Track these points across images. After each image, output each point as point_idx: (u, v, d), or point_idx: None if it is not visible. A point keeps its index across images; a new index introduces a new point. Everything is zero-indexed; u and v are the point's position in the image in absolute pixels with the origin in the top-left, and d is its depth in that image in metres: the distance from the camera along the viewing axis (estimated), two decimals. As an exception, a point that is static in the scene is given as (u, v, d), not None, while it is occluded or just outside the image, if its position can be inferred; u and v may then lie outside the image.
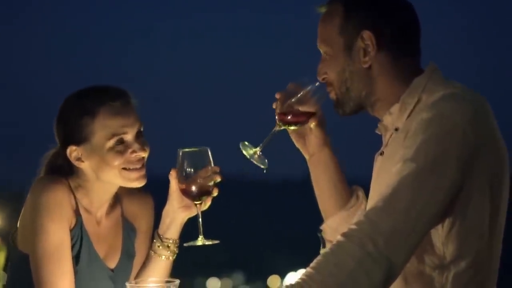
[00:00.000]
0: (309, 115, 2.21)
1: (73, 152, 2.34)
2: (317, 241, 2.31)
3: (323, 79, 2.12)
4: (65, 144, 2.35)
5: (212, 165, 2.25)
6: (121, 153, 2.31)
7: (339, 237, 1.86)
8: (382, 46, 2.02)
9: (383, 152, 2.08)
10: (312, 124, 2.24)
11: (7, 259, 2.43)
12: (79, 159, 2.34)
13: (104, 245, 2.40)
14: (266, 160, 2.22)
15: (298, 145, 2.31)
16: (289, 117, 2.20)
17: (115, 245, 2.43)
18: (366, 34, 2.02)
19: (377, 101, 2.06)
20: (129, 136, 2.33)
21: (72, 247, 2.31)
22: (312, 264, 1.86)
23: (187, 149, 2.24)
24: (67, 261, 2.27)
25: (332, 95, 2.11)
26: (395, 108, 2.03)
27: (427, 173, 1.85)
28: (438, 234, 1.91)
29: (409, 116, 1.99)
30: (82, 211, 2.36)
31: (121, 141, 2.32)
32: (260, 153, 2.22)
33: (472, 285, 1.92)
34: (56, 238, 2.26)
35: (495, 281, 1.98)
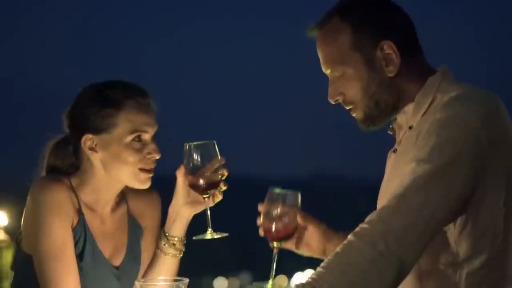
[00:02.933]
0: (294, 224, 2.16)
1: (88, 140, 2.33)
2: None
3: (336, 100, 2.09)
4: (80, 132, 2.34)
5: (219, 155, 2.25)
6: (138, 151, 2.31)
7: (350, 237, 1.86)
8: (401, 51, 2.02)
9: (396, 149, 2.09)
10: (303, 224, 2.22)
11: (15, 257, 2.42)
12: (92, 148, 2.33)
13: (109, 243, 2.40)
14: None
15: (304, 251, 2.29)
16: (277, 234, 2.14)
17: (120, 243, 2.43)
18: (386, 44, 2.02)
19: (398, 102, 2.05)
20: (147, 136, 2.33)
21: (75, 245, 2.30)
22: (322, 264, 1.86)
23: (193, 143, 2.24)
24: (70, 259, 2.27)
25: (358, 114, 2.08)
26: (409, 107, 2.04)
27: (440, 174, 1.86)
28: (451, 232, 1.91)
29: (423, 114, 2.00)
30: (84, 210, 2.35)
31: (139, 139, 2.32)
32: (274, 284, 2.18)
33: (486, 284, 1.92)
34: (58, 237, 2.26)
35: (511, 280, 1.96)
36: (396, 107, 2.06)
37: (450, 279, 1.92)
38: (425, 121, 1.96)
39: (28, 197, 2.30)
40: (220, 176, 2.25)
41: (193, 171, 2.24)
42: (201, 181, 2.24)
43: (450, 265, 1.93)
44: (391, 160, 2.11)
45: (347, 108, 2.09)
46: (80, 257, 2.32)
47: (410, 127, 2.03)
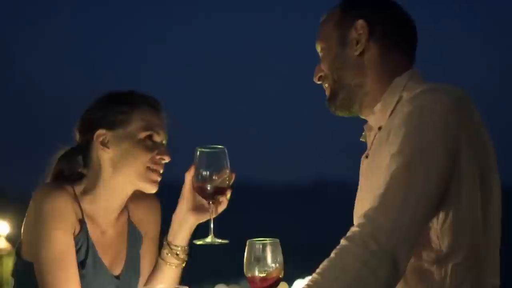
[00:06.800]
0: (277, 279, 2.09)
1: (101, 136, 2.35)
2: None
3: (319, 78, 2.18)
4: (93, 127, 2.36)
5: (229, 165, 2.23)
6: (149, 149, 2.33)
7: (342, 241, 1.89)
8: (374, 36, 2.10)
9: (368, 154, 2.12)
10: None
11: (16, 265, 2.42)
12: (105, 144, 2.34)
13: (109, 253, 2.40)
14: None
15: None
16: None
17: (120, 252, 2.42)
18: (360, 23, 2.10)
19: (365, 95, 2.11)
20: (158, 138, 2.36)
21: (77, 253, 2.30)
22: (317, 270, 1.88)
23: (204, 149, 2.23)
24: (72, 267, 2.27)
25: (327, 90, 2.17)
26: (377, 107, 2.08)
27: (415, 164, 1.89)
28: (434, 228, 1.93)
29: (391, 114, 2.04)
30: (86, 219, 2.35)
31: (151, 138, 2.34)
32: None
33: (471, 276, 1.94)
34: (61, 245, 2.26)
35: (497, 272, 2.00)
36: (358, 92, 2.11)
37: (435, 275, 1.94)
38: (393, 119, 2.00)
39: (31, 203, 2.31)
40: (227, 182, 2.25)
41: (201, 176, 2.23)
42: (208, 187, 2.23)
43: (434, 262, 1.95)
44: (364, 165, 2.14)
45: (324, 85, 2.18)
46: (81, 265, 2.32)
47: (379, 128, 2.07)
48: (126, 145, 2.33)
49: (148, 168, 2.33)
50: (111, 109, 2.36)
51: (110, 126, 2.34)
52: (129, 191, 2.38)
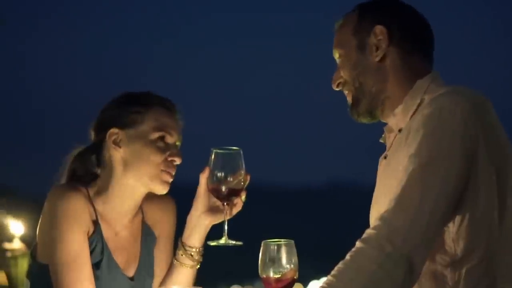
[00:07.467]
0: (291, 280, 2.09)
1: (113, 134, 2.35)
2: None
3: (338, 85, 2.17)
4: (107, 127, 2.36)
5: (244, 167, 2.23)
6: (161, 150, 2.32)
7: (357, 243, 1.88)
8: (393, 41, 2.09)
9: (387, 155, 2.11)
10: None
11: (30, 266, 2.42)
12: (117, 143, 2.34)
13: (123, 255, 2.39)
14: None
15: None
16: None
17: (134, 253, 2.42)
18: (379, 28, 2.10)
19: (387, 99, 2.11)
20: (171, 139, 2.35)
21: (91, 254, 2.30)
22: (332, 272, 1.88)
23: (220, 150, 2.23)
24: (86, 268, 2.27)
25: (348, 97, 2.16)
26: (398, 110, 2.08)
27: (433, 166, 1.88)
28: (449, 232, 1.92)
29: (412, 116, 2.04)
30: (100, 220, 2.35)
31: (163, 139, 2.34)
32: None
33: (485, 279, 1.93)
34: (75, 246, 2.26)
35: (510, 278, 1.96)
36: (380, 97, 2.10)
37: (449, 279, 1.94)
38: (413, 121, 1.99)
39: (45, 204, 2.31)
40: (242, 184, 2.24)
41: (217, 178, 2.23)
42: (223, 188, 2.23)
43: (448, 265, 1.94)
44: (382, 166, 2.14)
45: (344, 92, 2.17)
46: (96, 266, 2.32)
47: (400, 130, 2.07)
48: (137, 145, 2.33)
49: (159, 169, 2.33)
50: (125, 108, 2.36)
51: (123, 126, 2.35)
52: (141, 192, 2.38)
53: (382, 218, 1.87)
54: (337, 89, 2.18)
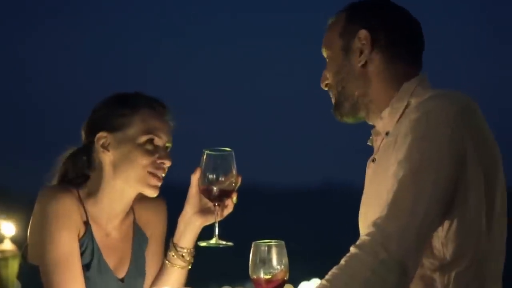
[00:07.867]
0: (282, 281, 2.10)
1: (102, 138, 2.34)
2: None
3: (326, 85, 2.18)
4: (95, 130, 2.36)
5: (235, 168, 2.23)
6: (149, 153, 2.32)
7: (352, 249, 1.88)
8: (377, 46, 2.09)
9: (375, 158, 2.11)
10: None
11: (21, 267, 2.42)
12: (105, 147, 2.34)
13: (114, 256, 2.39)
14: None
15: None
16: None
17: (125, 254, 2.42)
18: (363, 33, 2.09)
19: (371, 103, 2.11)
20: (160, 142, 2.34)
21: (82, 256, 2.30)
22: (326, 277, 1.88)
23: (212, 152, 2.23)
24: (77, 269, 2.27)
25: (332, 99, 2.17)
26: (385, 113, 2.08)
27: (423, 171, 1.88)
28: (438, 236, 1.92)
29: (398, 120, 2.04)
30: (91, 221, 2.35)
31: (152, 142, 2.33)
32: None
33: (475, 282, 1.93)
34: (65, 247, 2.26)
35: (499, 279, 1.99)
36: (363, 101, 2.10)
37: (438, 283, 1.94)
38: (400, 125, 1.99)
39: (36, 206, 2.30)
40: (233, 185, 2.25)
41: (207, 180, 2.23)
42: (214, 189, 2.23)
43: (437, 269, 1.94)
44: (370, 169, 2.13)
45: (329, 94, 2.17)
46: (86, 267, 2.31)
47: (387, 133, 2.07)
48: (126, 149, 2.32)
49: (148, 172, 2.32)
50: (113, 111, 2.35)
51: (111, 129, 2.34)
52: (130, 194, 2.38)
53: (375, 225, 1.87)
54: (325, 89, 2.19)
